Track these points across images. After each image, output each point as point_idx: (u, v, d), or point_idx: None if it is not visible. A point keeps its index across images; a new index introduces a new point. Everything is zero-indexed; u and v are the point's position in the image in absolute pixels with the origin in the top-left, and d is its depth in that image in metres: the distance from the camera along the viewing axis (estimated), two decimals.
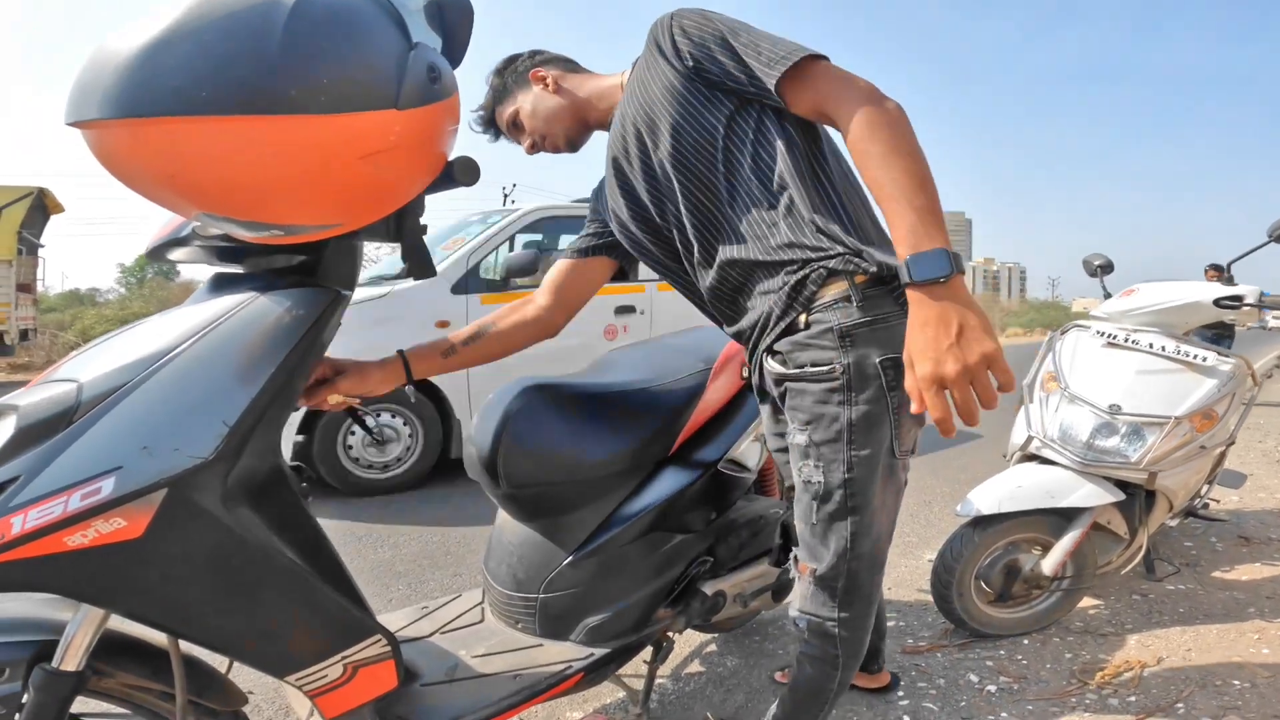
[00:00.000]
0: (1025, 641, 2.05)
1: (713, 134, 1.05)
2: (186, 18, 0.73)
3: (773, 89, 0.99)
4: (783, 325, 1.07)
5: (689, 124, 1.05)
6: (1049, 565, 1.96)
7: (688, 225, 1.11)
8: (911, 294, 0.88)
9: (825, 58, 0.99)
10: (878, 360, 1.03)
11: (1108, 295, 2.40)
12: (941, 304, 0.86)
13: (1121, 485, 2.01)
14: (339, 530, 2.97)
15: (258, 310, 0.94)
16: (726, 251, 1.09)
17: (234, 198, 0.82)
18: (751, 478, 1.61)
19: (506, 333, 1.34)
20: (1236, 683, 1.81)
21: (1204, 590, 2.39)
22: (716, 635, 2.09)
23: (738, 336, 1.20)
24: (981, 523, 1.99)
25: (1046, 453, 2.04)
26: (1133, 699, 1.75)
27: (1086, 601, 2.30)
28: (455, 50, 0.99)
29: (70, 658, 0.90)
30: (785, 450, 1.24)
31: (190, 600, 0.90)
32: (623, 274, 1.40)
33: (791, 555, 1.35)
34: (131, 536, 0.82)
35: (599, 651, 1.37)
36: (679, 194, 1.09)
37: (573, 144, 1.30)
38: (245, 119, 0.74)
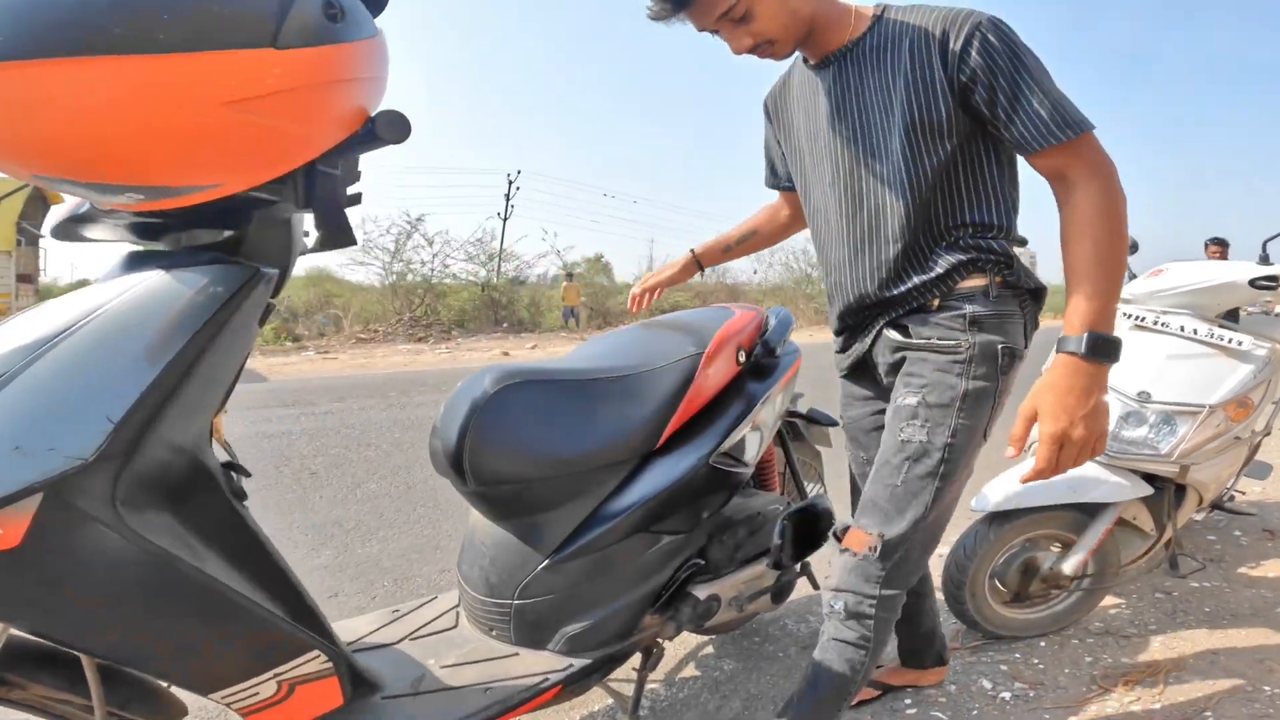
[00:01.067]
0: (1042, 644, 1.93)
1: (939, 128, 1.10)
2: None
3: (1035, 149, 1.04)
4: (918, 304, 1.18)
5: (922, 112, 1.09)
6: (1070, 564, 1.83)
7: (870, 188, 1.17)
8: (1069, 360, 0.99)
9: (1093, 127, 1.04)
10: (1000, 346, 1.15)
11: (1133, 276, 2.26)
12: (1091, 379, 0.98)
13: (1149, 479, 1.88)
14: (325, 524, 2.87)
15: (152, 289, 0.82)
16: (894, 223, 1.16)
17: (65, 156, 0.71)
18: (748, 472, 1.48)
19: (771, 235, 1.61)
20: (1267, 689, 1.68)
21: (1230, 588, 2.26)
22: (712, 638, 1.98)
23: (861, 299, 1.24)
24: (997, 518, 1.86)
25: None
26: (1157, 706, 1.63)
27: (1107, 600, 2.17)
28: None
29: None
30: (860, 421, 1.37)
31: (85, 613, 0.80)
32: None
33: (835, 531, 1.31)
34: (8, 545, 0.71)
35: (579, 662, 1.25)
36: (878, 161, 1.15)
37: (785, 58, 1.22)
38: (55, 63, 0.63)
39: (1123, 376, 1.90)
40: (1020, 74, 1.03)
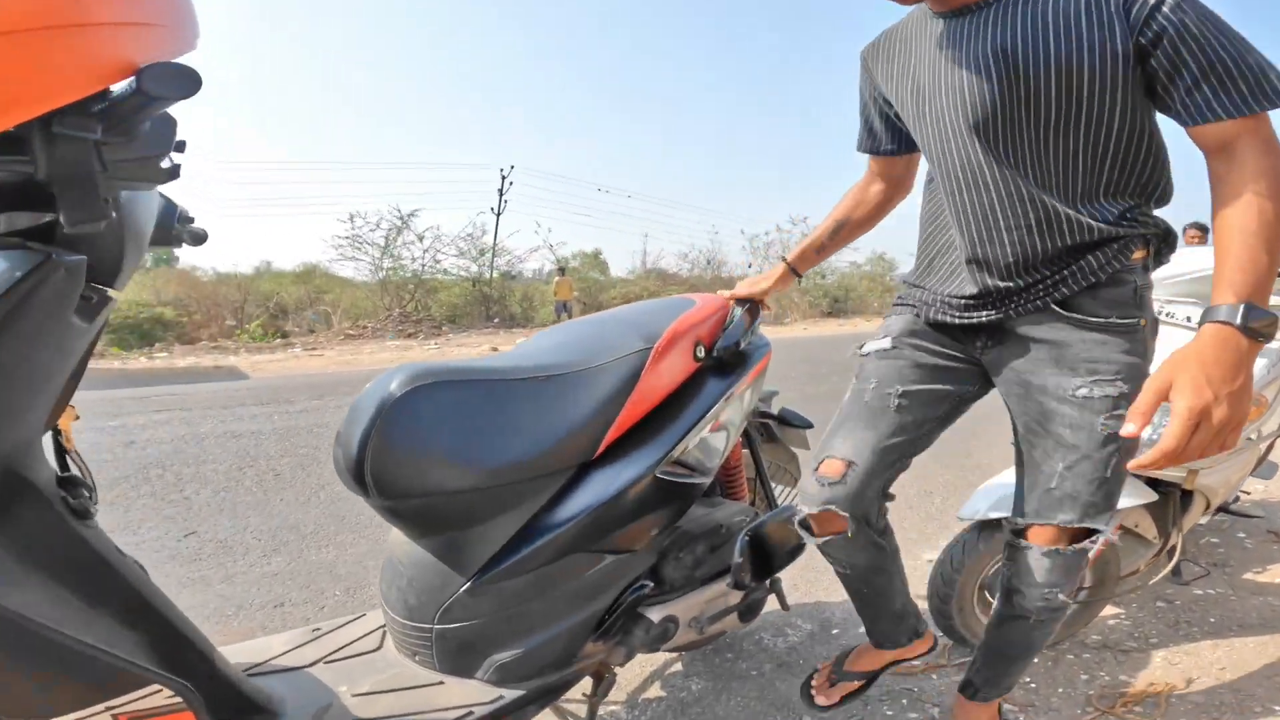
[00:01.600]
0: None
1: (1114, 89, 1.01)
2: None
3: (1217, 119, 0.96)
4: (1092, 279, 1.09)
5: (1097, 70, 1.00)
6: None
7: (1033, 150, 1.07)
8: (1221, 330, 0.89)
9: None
10: (1152, 320, 1.14)
11: None
12: (1241, 355, 0.88)
13: (1153, 483, 1.73)
14: (281, 528, 2.73)
15: None
16: (1063, 189, 1.08)
17: None
18: (705, 482, 1.33)
19: (863, 220, 1.48)
20: (1278, 708, 1.54)
21: (1236, 596, 2.12)
22: (679, 654, 1.83)
23: (1006, 269, 1.13)
24: (987, 527, 1.71)
25: None
26: None
27: (1106, 611, 2.03)
28: None
29: None
30: (898, 359, 1.25)
31: None
32: None
33: (1017, 528, 1.22)
34: None
35: (510, 694, 1.11)
36: (1044, 121, 1.05)
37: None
38: None
39: None
40: (1217, 40, 0.95)
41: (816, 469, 1.22)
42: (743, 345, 1.43)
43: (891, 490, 1.31)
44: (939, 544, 2.58)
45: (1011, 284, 1.13)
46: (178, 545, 2.55)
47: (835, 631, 1.98)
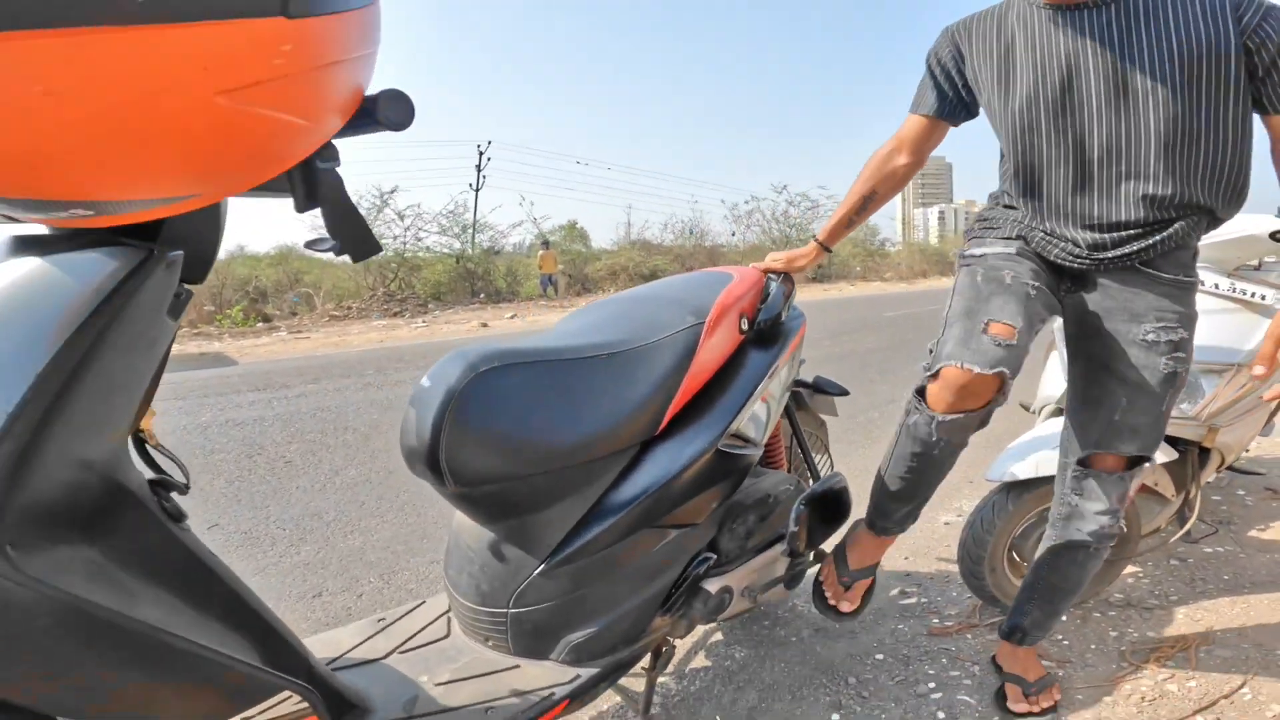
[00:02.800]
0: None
1: (1222, 82, 1.16)
2: None
3: None
4: (1175, 245, 1.25)
5: (1212, 62, 1.15)
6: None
7: (1141, 127, 1.19)
8: None
9: None
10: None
11: None
12: None
13: (1172, 442, 1.79)
14: (303, 516, 2.73)
15: (19, 281, 0.66)
16: (1168, 164, 1.20)
17: None
18: (759, 452, 1.35)
19: (889, 190, 1.54)
20: None
21: (1245, 553, 2.19)
22: (720, 625, 1.87)
23: (1116, 229, 1.26)
24: (1015, 488, 1.75)
25: None
26: (1192, 684, 1.56)
27: (1124, 571, 2.10)
28: None
29: None
30: (1018, 273, 1.31)
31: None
32: None
33: (1083, 459, 1.37)
34: None
35: (586, 672, 1.14)
36: (1155, 101, 1.18)
37: None
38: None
39: None
40: None
41: (985, 330, 1.21)
42: (784, 317, 1.45)
43: None
44: (953, 507, 2.65)
45: (1112, 238, 1.27)
46: (203, 539, 2.54)
47: (878, 595, 2.02)
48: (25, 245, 0.70)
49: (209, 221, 0.78)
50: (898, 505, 1.44)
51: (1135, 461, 1.34)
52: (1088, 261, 1.30)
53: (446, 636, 1.24)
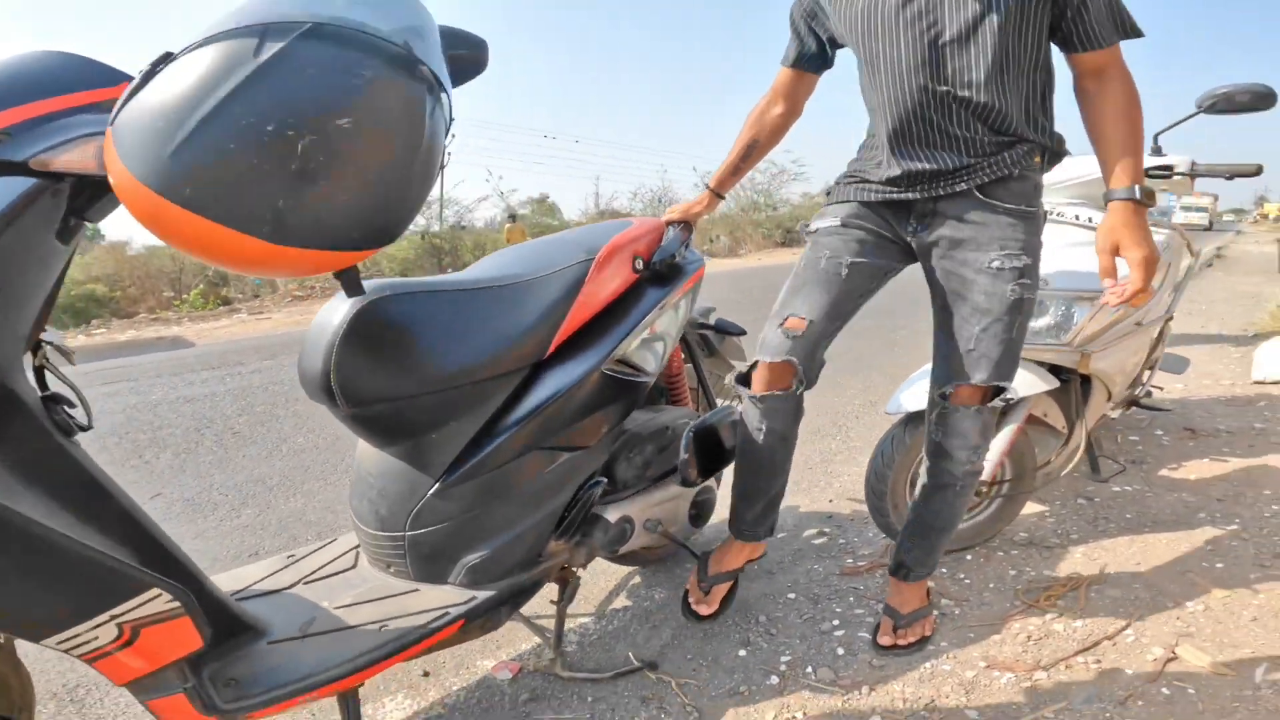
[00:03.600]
0: (968, 557, 1.95)
1: (1036, 20, 1.28)
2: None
3: (1099, 46, 1.27)
4: (1004, 173, 1.34)
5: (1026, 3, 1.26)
6: (985, 468, 1.81)
7: (973, 63, 1.29)
8: (1129, 205, 1.25)
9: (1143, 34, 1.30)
10: (1044, 212, 1.44)
11: None
12: (1144, 217, 1.27)
13: (1055, 372, 1.88)
14: (247, 482, 2.75)
15: None
16: (992, 97, 1.30)
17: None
18: (649, 381, 1.42)
19: (769, 139, 1.64)
20: (1190, 604, 1.69)
21: (1152, 492, 2.30)
22: (640, 569, 1.94)
23: (944, 160, 1.35)
24: (913, 420, 1.82)
25: None
26: (1079, 624, 1.63)
27: (1031, 509, 2.20)
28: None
29: None
30: (845, 240, 1.45)
31: None
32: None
33: (943, 392, 1.44)
34: None
35: (483, 594, 1.19)
36: (985, 38, 1.27)
37: None
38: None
39: None
40: None
41: (781, 324, 1.41)
42: (677, 259, 1.52)
43: (824, 357, 1.49)
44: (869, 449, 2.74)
45: (937, 167, 1.36)
46: (144, 507, 2.56)
47: (797, 537, 2.11)
48: None
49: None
50: (745, 504, 1.57)
51: (993, 393, 1.41)
52: (928, 189, 1.38)
53: (353, 568, 1.29)
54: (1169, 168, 1.95)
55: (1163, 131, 2.06)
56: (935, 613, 1.66)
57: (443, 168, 0.90)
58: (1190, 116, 1.95)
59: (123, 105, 0.73)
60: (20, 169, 0.77)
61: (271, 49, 0.71)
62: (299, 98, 0.71)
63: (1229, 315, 6.03)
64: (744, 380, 1.47)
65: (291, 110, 0.71)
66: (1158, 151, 2.03)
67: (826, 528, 2.17)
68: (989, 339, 1.36)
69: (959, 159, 1.34)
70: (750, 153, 1.65)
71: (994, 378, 1.38)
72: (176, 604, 0.88)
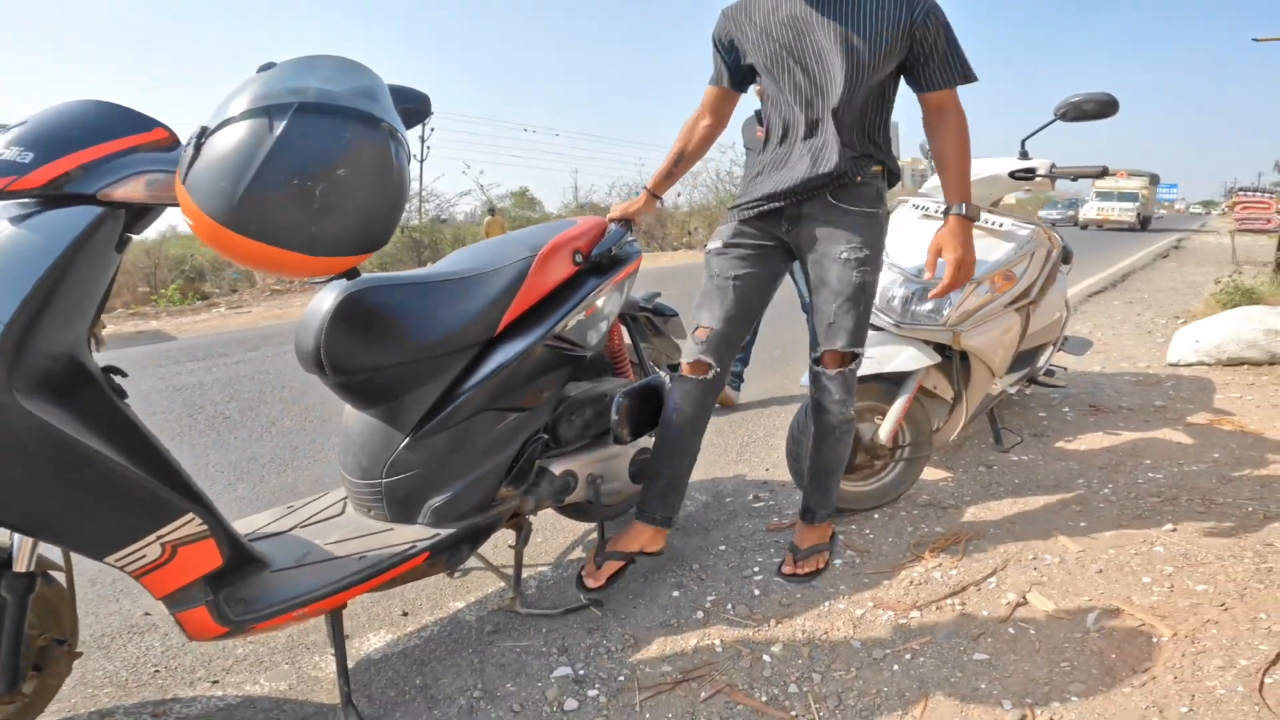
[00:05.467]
0: (875, 516, 2.24)
1: (887, 58, 1.62)
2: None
3: (940, 87, 1.66)
4: (849, 181, 1.70)
5: (884, 42, 1.60)
6: (884, 432, 2.12)
7: (833, 91, 1.64)
8: (958, 219, 1.66)
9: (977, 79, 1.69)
10: (884, 212, 1.78)
11: (926, 177, 2.60)
12: (969, 229, 1.67)
13: (939, 349, 2.19)
14: (240, 460, 2.99)
15: (15, 233, 1.03)
16: (846, 120, 1.66)
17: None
18: (587, 354, 1.71)
19: (696, 149, 1.95)
20: (1048, 557, 1.94)
21: (1044, 461, 2.61)
22: (594, 526, 2.22)
23: (808, 173, 1.69)
24: None
25: (875, 319, 2.18)
26: (954, 572, 1.89)
27: (937, 475, 2.51)
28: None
29: (19, 561, 1.11)
30: (737, 251, 1.81)
31: None
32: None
33: (815, 358, 1.80)
34: None
35: (445, 531, 1.47)
36: (845, 70, 1.61)
37: None
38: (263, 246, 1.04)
39: (909, 256, 2.20)
40: (949, 36, 1.62)
41: (693, 333, 1.80)
42: (615, 252, 1.80)
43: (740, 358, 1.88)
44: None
45: (810, 178, 1.69)
46: None
47: (731, 500, 2.41)
48: (14, 212, 1.06)
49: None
50: (650, 481, 1.84)
51: (850, 357, 1.77)
52: (795, 197, 1.72)
53: (342, 514, 1.57)
54: (1031, 170, 2.27)
55: (1028, 137, 2.38)
56: (829, 552, 1.97)
57: (411, 186, 1.21)
58: (1049, 124, 2.27)
59: (189, 167, 1.02)
60: (90, 200, 1.06)
61: (279, 125, 1.01)
62: (310, 159, 1.02)
63: (1169, 303, 6.39)
64: (675, 368, 1.82)
65: (307, 168, 1.01)
66: (1024, 155, 2.35)
67: (761, 493, 2.47)
68: (843, 314, 1.72)
69: (817, 173, 1.67)
70: (680, 160, 1.96)
71: (849, 344, 1.74)
72: (204, 526, 1.15)
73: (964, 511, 2.26)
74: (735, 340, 1.80)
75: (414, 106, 1.34)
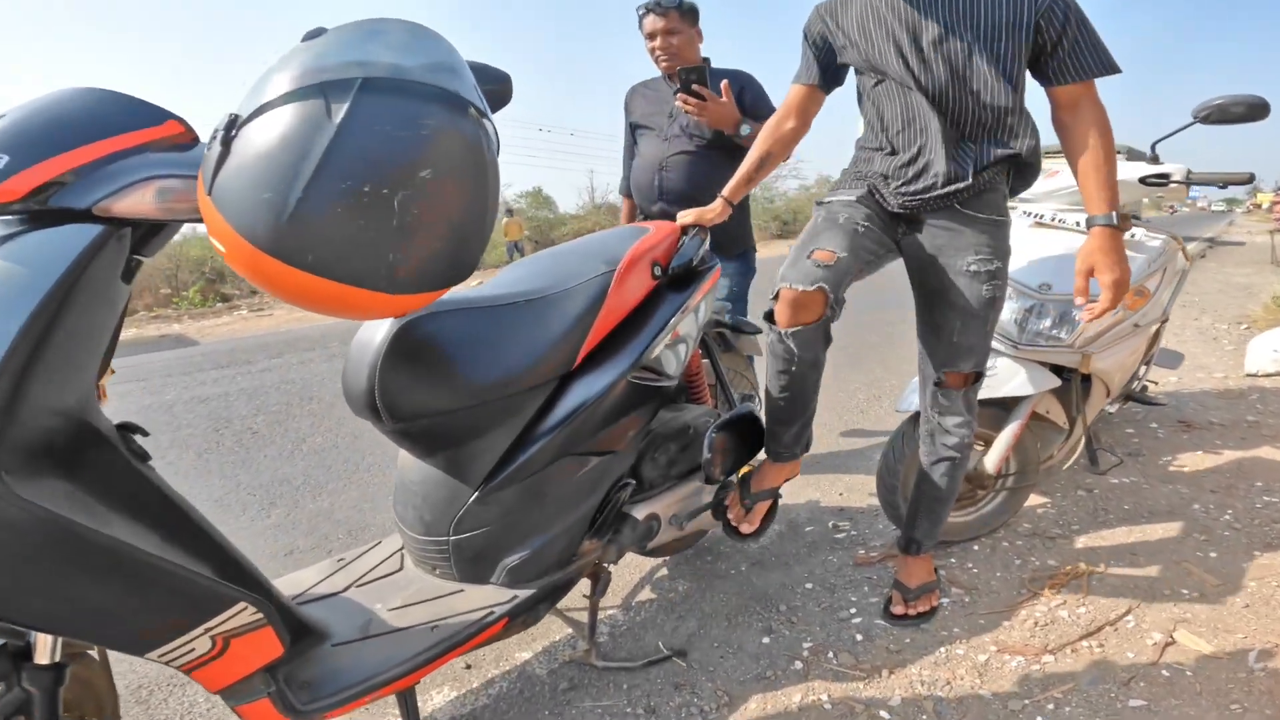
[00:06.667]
0: (975, 547, 2.03)
1: (1022, 49, 1.40)
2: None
3: (1076, 80, 1.40)
4: (983, 188, 1.51)
5: (1016, 31, 1.39)
6: (991, 461, 1.90)
7: (972, 86, 1.43)
8: (1106, 230, 1.39)
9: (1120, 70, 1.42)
10: (1010, 220, 1.57)
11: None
12: (1120, 241, 1.40)
13: (1058, 371, 1.96)
14: (272, 483, 2.82)
15: None
16: (986, 117, 1.45)
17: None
18: (673, 385, 1.49)
19: (779, 154, 1.75)
20: (1185, 591, 1.77)
21: (1148, 484, 2.39)
22: (665, 560, 2.03)
23: (939, 174, 1.48)
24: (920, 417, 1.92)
25: None
26: (1082, 610, 1.72)
27: (1035, 501, 2.29)
28: None
29: (41, 652, 0.89)
30: (854, 220, 1.53)
31: None
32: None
33: (936, 380, 1.60)
34: None
35: (524, 593, 1.27)
36: (981, 61, 1.42)
37: None
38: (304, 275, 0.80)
39: (1026, 270, 1.96)
40: (1081, 20, 1.38)
41: (809, 256, 1.45)
42: (694, 263, 1.59)
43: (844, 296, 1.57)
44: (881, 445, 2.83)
45: (935, 180, 1.49)
46: None
47: (809, 529, 2.19)
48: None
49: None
50: (782, 428, 1.62)
51: (975, 377, 1.59)
52: (916, 201, 1.52)
53: (400, 570, 1.37)
54: (1166, 176, 2.00)
55: (1159, 141, 2.11)
56: (939, 589, 1.76)
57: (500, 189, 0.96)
58: (1186, 126, 1.99)
59: (216, 171, 0.77)
60: (84, 216, 0.80)
61: (340, 109, 0.75)
62: (381, 156, 0.77)
63: (1223, 306, 6.11)
64: (770, 317, 1.50)
65: (379, 169, 0.76)
66: (1155, 160, 2.08)
67: (840, 521, 2.25)
68: (969, 333, 1.53)
69: (943, 177, 1.48)
70: (764, 164, 1.75)
71: (976, 366, 1.57)
72: (259, 615, 0.95)
73: (1074, 541, 2.05)
74: (850, 280, 1.50)
75: (496, 88, 1.07)
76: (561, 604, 1.72)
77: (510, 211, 16.83)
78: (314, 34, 0.83)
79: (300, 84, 0.76)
